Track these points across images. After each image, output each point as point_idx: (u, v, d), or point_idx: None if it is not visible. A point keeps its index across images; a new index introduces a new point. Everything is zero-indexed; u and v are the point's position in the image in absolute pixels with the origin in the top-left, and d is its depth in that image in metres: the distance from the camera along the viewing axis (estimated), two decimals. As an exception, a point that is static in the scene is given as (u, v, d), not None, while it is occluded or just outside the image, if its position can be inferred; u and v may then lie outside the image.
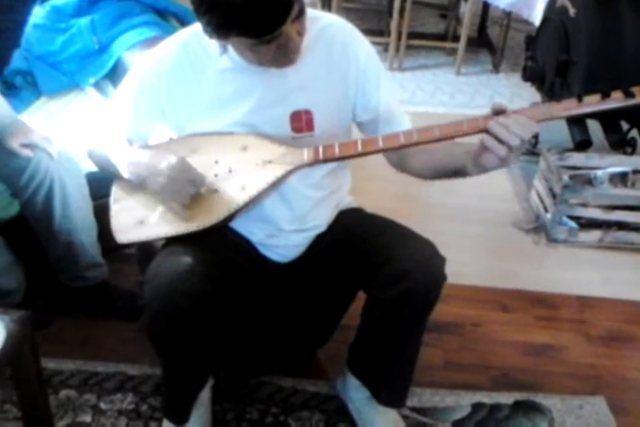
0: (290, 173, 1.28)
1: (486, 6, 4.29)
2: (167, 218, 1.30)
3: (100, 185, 1.59)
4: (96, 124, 1.47)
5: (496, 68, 3.98)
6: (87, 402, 1.63)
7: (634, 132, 2.84)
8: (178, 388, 1.46)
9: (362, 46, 1.36)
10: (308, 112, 1.32)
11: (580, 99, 1.13)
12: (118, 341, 1.81)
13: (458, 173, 1.25)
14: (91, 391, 1.65)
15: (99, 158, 1.43)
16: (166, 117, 1.36)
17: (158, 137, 1.40)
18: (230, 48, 1.23)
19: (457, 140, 1.21)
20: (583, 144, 2.74)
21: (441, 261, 1.34)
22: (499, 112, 1.14)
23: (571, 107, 1.14)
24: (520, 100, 3.56)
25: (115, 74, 2.08)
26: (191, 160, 1.29)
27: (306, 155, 1.27)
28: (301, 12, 1.15)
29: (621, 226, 2.42)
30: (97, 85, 2.15)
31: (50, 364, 1.70)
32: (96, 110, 2.00)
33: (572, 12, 2.54)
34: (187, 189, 1.27)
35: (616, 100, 1.12)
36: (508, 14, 3.84)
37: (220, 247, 1.37)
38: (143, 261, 1.41)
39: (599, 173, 2.53)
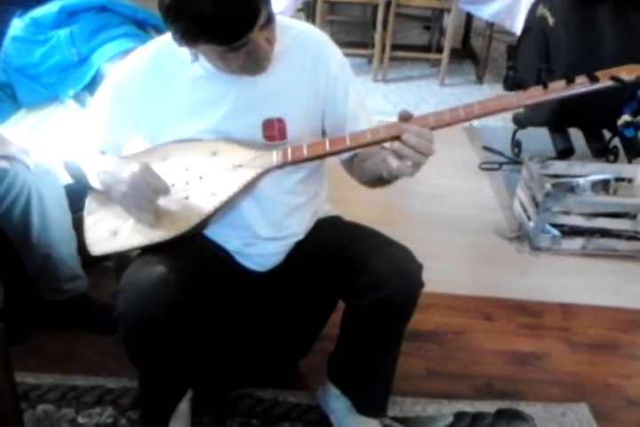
0: (260, 175, 1.28)
1: (470, 18, 4.33)
2: (140, 228, 1.30)
3: (80, 197, 1.57)
4: (73, 136, 1.47)
5: (480, 79, 4.01)
6: (65, 416, 1.60)
7: (616, 141, 2.86)
8: (155, 400, 1.44)
9: (333, 55, 1.37)
10: (280, 120, 1.32)
11: (545, 86, 1.13)
12: (98, 354, 1.79)
13: (381, 179, 1.28)
14: (69, 406, 1.63)
15: (73, 169, 1.42)
16: (140, 127, 1.36)
17: (131, 147, 1.40)
18: (201, 56, 1.23)
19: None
20: (565, 152, 2.76)
21: (418, 267, 1.34)
22: (405, 118, 1.17)
23: (537, 94, 1.15)
24: (504, 109, 3.58)
25: (94, 85, 2.07)
26: (162, 168, 1.29)
27: (275, 157, 1.27)
28: (269, 20, 1.15)
29: (604, 233, 2.43)
30: (77, 97, 2.14)
31: (28, 378, 1.68)
32: (75, 122, 2.00)
33: (551, 21, 2.56)
34: (148, 197, 1.26)
35: (581, 85, 1.13)
36: (490, 25, 3.87)
37: (195, 256, 1.36)
38: (119, 273, 1.40)
39: (581, 180, 2.54)
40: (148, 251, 1.32)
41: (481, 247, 2.46)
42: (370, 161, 1.32)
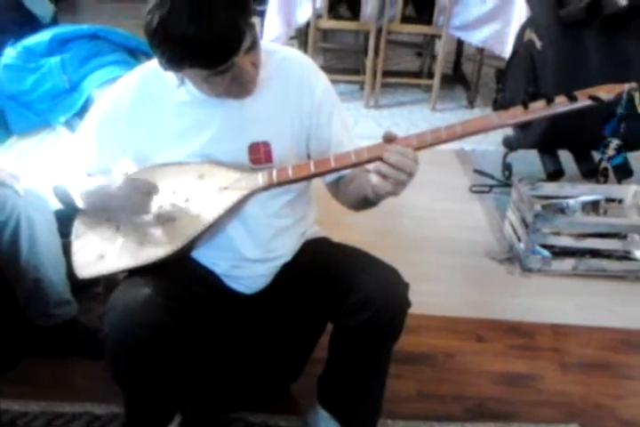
0: (246, 197, 1.29)
1: (460, 43, 4.39)
2: (126, 250, 1.31)
3: (69, 222, 1.58)
4: (63, 162, 1.49)
5: (471, 104, 4.04)
6: (52, 444, 1.59)
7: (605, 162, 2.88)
8: (142, 424, 1.43)
9: (318, 80, 1.39)
10: (266, 144, 1.34)
11: (525, 106, 1.15)
12: (86, 379, 1.78)
13: (366, 201, 1.29)
14: (56, 433, 1.62)
15: (61, 194, 1.44)
16: (127, 152, 1.38)
17: (119, 171, 1.41)
18: (187, 80, 1.25)
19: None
20: (556, 174, 2.78)
21: (404, 287, 1.34)
22: (389, 140, 1.18)
23: (518, 114, 1.16)
24: (494, 133, 3.60)
25: (85, 112, 2.07)
26: None
27: (260, 179, 1.28)
28: (254, 44, 1.18)
29: (594, 254, 2.43)
30: (68, 124, 2.17)
31: (14, 406, 1.67)
32: (66, 148, 2.02)
33: (538, 45, 2.60)
34: (144, 200, 1.28)
35: (561, 105, 1.15)
36: (481, 50, 3.92)
37: (182, 279, 1.37)
38: (107, 296, 1.40)
39: (571, 201, 2.55)
40: (135, 273, 1.32)
41: (472, 269, 2.46)
42: (354, 183, 1.33)
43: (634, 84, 1.18)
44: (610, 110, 2.35)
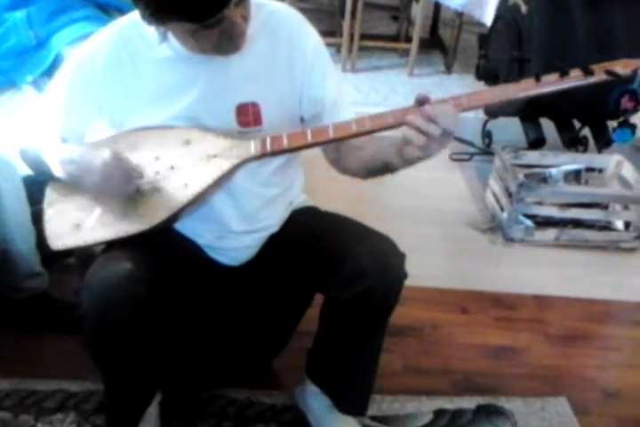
0: (236, 167, 1.20)
1: (438, 8, 4.29)
2: (105, 221, 1.21)
3: (39, 189, 1.48)
4: (31, 124, 1.37)
5: (448, 70, 3.97)
6: (24, 424, 1.50)
7: (585, 131, 2.85)
8: (122, 404, 1.36)
9: (309, 36, 1.30)
10: (254, 105, 1.25)
11: (538, 78, 1.09)
12: (59, 356, 1.69)
13: (387, 167, 1.21)
14: (28, 412, 1.53)
15: (31, 158, 1.33)
16: (103, 112, 1.27)
17: (95, 134, 1.31)
18: (171, 36, 1.15)
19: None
20: (537, 142, 2.73)
21: (401, 257, 1.29)
22: (422, 102, 1.10)
23: (528, 87, 1.10)
24: (473, 100, 3.55)
25: (54, 71, 1.94)
26: (130, 157, 1.20)
27: (253, 147, 1.19)
28: None
29: (576, 224, 2.41)
30: (35, 83, 2.02)
31: (-17, 383, 1.58)
32: (33, 109, 1.89)
33: (524, 9, 2.53)
34: (124, 186, 1.18)
35: (575, 79, 1.09)
36: (459, 15, 3.83)
37: (163, 251, 1.29)
38: (82, 269, 1.32)
39: (554, 171, 2.52)
40: (114, 245, 1.24)
41: (454, 239, 2.42)
42: (369, 149, 1.24)
43: None
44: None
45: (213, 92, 1.23)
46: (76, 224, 1.23)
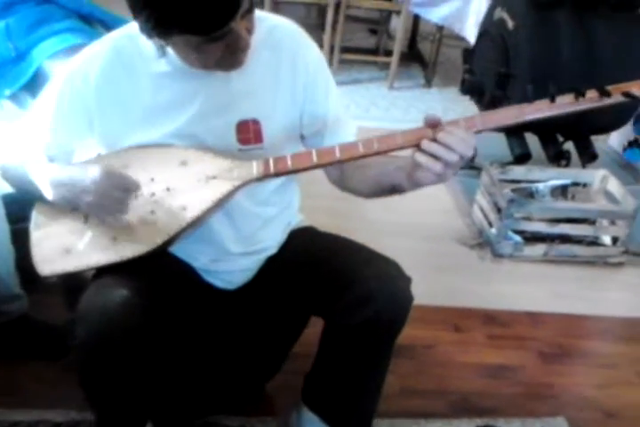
0: (237, 189, 1.15)
1: (416, 21, 4.30)
2: (97, 245, 1.15)
3: (20, 207, 1.41)
4: (12, 140, 1.30)
5: (428, 83, 3.98)
6: (6, 456, 1.43)
7: (568, 145, 2.86)
8: (112, 435, 1.29)
9: (311, 51, 1.26)
10: (255, 122, 1.20)
11: (553, 99, 1.06)
12: (42, 384, 1.60)
13: (395, 189, 1.17)
14: (9, 444, 1.45)
15: (13, 176, 1.26)
16: (94, 130, 1.21)
17: (84, 152, 1.24)
18: (170, 50, 1.10)
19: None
20: (523, 157, 2.73)
21: (407, 281, 1.25)
22: (433, 125, 1.06)
23: (543, 108, 1.07)
24: (454, 113, 3.55)
25: (34, 84, 1.88)
26: None
27: (255, 168, 1.14)
28: (251, 7, 1.04)
29: (564, 239, 2.40)
30: (14, 98, 1.94)
31: (-40, 414, 1.50)
32: (13, 125, 1.81)
33: (510, 24, 2.53)
34: (121, 201, 1.12)
35: (590, 101, 1.07)
36: (440, 29, 3.84)
37: (157, 275, 1.22)
38: (70, 294, 1.25)
39: (540, 186, 2.51)
40: (105, 270, 1.17)
41: (443, 255, 2.39)
42: (375, 169, 1.19)
43: None
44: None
45: (213, 109, 1.18)
46: (66, 248, 1.16)
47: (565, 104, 1.07)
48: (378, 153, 1.11)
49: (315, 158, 1.11)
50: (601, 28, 2.54)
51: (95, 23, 2.01)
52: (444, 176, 1.05)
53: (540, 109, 1.07)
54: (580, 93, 1.06)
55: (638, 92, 1.07)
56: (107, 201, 1.11)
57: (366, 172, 1.22)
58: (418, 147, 1.05)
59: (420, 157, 1.04)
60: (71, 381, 1.23)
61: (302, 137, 1.30)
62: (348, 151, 1.11)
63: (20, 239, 1.31)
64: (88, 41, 1.82)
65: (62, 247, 1.17)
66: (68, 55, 1.82)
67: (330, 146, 1.14)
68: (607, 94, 1.06)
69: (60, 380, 1.51)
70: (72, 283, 1.31)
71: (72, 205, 1.15)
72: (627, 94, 1.07)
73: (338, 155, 1.10)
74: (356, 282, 1.19)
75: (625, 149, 2.91)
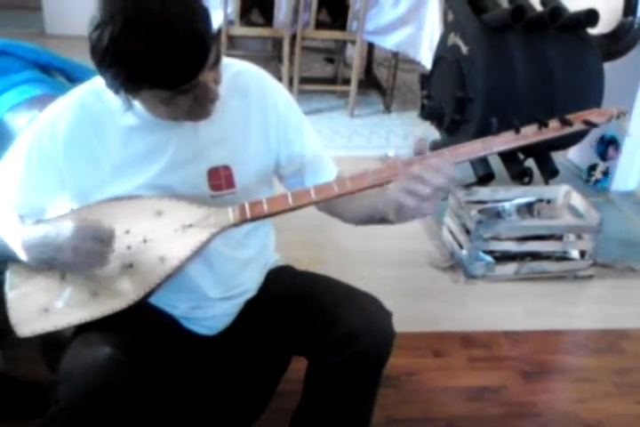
0: (215, 236, 1.16)
1: (371, 48, 4.37)
2: (76, 302, 1.14)
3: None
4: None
5: (388, 109, 4.04)
6: None
7: (529, 162, 2.92)
8: None
9: (278, 92, 1.28)
10: (226, 168, 1.21)
11: (517, 130, 1.10)
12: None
13: (384, 220, 1.18)
14: None
15: None
16: (66, 187, 1.21)
17: (56, 208, 1.23)
18: (136, 103, 1.11)
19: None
20: (486, 177, 2.78)
21: (388, 316, 1.26)
22: (420, 153, 1.09)
23: (509, 140, 1.11)
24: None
25: (-6, 138, 1.88)
26: None
27: (231, 214, 1.15)
28: (218, 58, 1.06)
29: (534, 256, 2.45)
30: (-25, 151, 1.93)
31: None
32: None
33: (464, 49, 2.60)
34: (99, 252, 1.11)
35: (554, 130, 1.11)
36: (395, 54, 3.91)
37: (138, 328, 1.22)
38: (49, 352, 1.24)
39: (506, 205, 2.56)
40: (86, 326, 1.16)
41: (417, 280, 2.41)
42: (360, 202, 1.21)
43: (622, 109, 1.16)
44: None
45: (183, 159, 1.19)
46: (44, 308, 1.15)
47: (530, 135, 1.11)
48: (353, 192, 1.13)
49: (290, 201, 1.13)
50: (551, 48, 2.62)
51: (54, 72, 2.00)
52: (423, 209, 1.06)
53: (506, 142, 1.11)
54: (543, 124, 1.10)
55: (597, 119, 1.12)
56: (83, 256, 1.10)
57: (353, 208, 1.24)
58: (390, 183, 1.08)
59: (396, 194, 1.06)
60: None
61: (282, 177, 1.32)
62: (322, 192, 1.13)
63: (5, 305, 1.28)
64: (48, 91, 1.84)
65: (41, 307, 1.16)
66: (29, 107, 1.82)
67: (305, 188, 1.16)
68: (569, 123, 1.11)
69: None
70: (51, 340, 1.29)
71: (48, 266, 1.14)
72: (587, 122, 1.12)
73: (313, 196, 1.12)
74: (338, 321, 1.20)
75: (598, 180, 3.06)
